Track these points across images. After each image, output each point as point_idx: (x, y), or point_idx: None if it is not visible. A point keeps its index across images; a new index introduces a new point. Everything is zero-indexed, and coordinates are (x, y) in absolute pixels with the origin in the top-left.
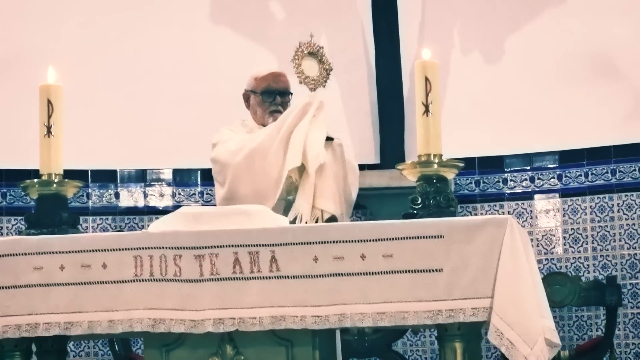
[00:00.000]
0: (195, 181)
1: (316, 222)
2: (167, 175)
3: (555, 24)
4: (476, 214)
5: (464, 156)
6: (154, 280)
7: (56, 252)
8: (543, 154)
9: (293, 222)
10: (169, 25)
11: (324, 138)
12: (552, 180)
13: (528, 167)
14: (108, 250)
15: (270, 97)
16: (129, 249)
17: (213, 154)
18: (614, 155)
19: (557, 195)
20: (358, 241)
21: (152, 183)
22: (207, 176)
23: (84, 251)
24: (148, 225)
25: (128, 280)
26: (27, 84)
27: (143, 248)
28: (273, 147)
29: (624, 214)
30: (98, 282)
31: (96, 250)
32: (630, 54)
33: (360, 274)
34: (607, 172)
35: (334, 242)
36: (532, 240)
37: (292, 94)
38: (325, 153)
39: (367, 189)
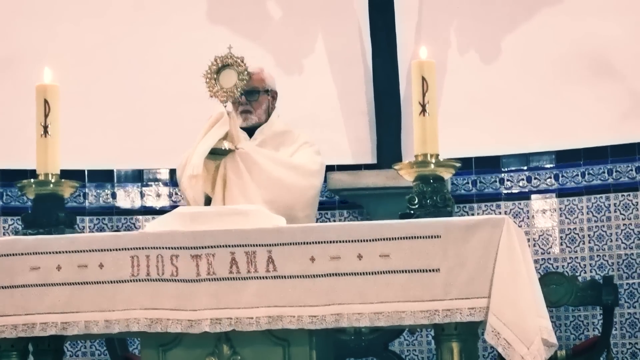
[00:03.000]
0: None
1: None
2: (164, 175)
3: (553, 23)
4: (473, 214)
5: (460, 156)
6: (150, 280)
7: (53, 252)
8: (540, 154)
9: None
10: (166, 24)
11: (205, 150)
12: (548, 180)
13: (525, 167)
14: (105, 250)
15: (238, 97)
16: (125, 249)
17: None
18: (611, 155)
19: (553, 195)
20: (355, 241)
21: (149, 183)
22: None
23: (81, 251)
24: (145, 225)
25: (125, 280)
26: (24, 84)
27: (140, 248)
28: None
29: (621, 214)
30: (95, 282)
31: (93, 250)
32: (627, 53)
33: (357, 274)
34: (604, 172)
35: (330, 242)
36: (528, 240)
37: (267, 91)
38: (199, 165)
39: (364, 188)
